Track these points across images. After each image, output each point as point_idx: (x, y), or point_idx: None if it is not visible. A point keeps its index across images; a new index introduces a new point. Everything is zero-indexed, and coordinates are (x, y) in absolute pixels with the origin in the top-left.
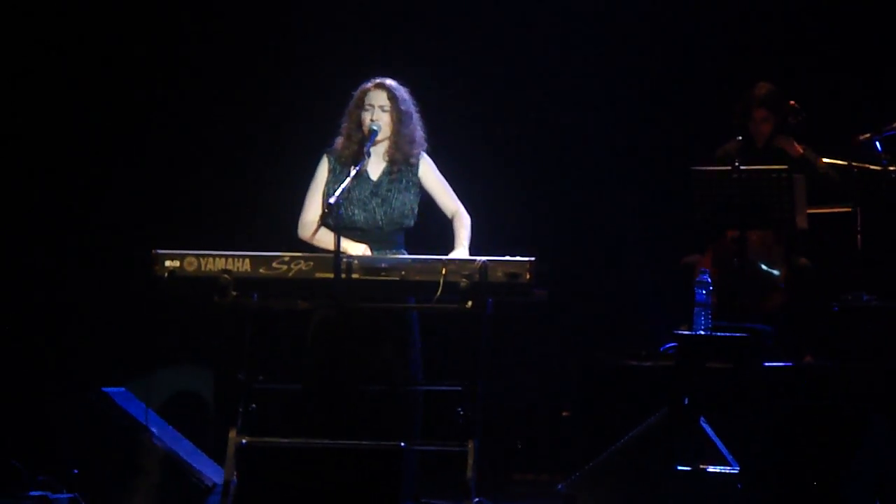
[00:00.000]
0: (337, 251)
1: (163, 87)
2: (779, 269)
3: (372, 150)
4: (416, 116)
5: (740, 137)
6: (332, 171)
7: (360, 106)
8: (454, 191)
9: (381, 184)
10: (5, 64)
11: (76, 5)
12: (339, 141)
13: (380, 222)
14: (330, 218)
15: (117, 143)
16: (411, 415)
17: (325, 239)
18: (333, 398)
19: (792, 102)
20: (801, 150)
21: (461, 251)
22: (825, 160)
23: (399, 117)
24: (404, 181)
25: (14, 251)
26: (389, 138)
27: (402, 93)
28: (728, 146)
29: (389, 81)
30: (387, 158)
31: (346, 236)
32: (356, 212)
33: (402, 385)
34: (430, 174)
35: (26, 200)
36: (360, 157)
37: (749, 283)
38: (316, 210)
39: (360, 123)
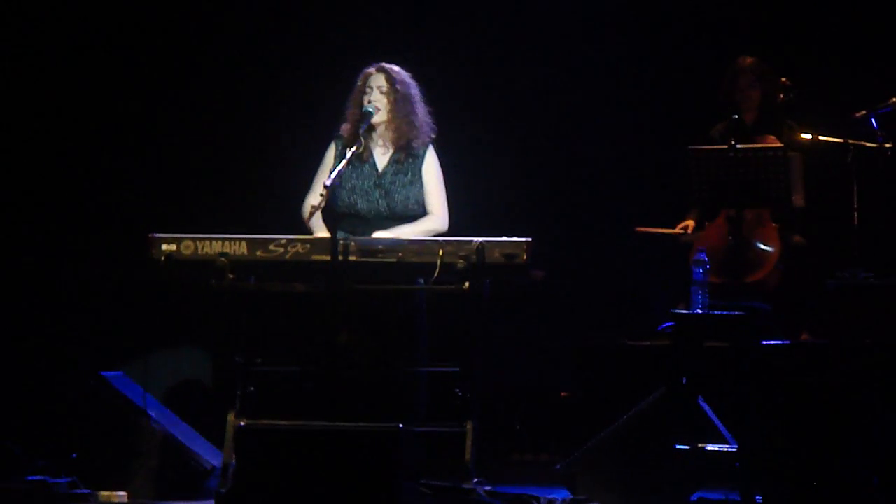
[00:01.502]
0: (333, 234)
1: (159, 71)
2: (774, 247)
3: (377, 137)
4: (419, 103)
5: (736, 116)
6: (337, 156)
7: (362, 90)
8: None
9: (385, 174)
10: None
11: None
12: (345, 126)
13: (383, 212)
14: (327, 200)
15: (112, 128)
16: (414, 397)
17: (319, 225)
18: (332, 380)
19: (784, 80)
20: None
21: (387, 232)
22: (821, 137)
23: (396, 98)
24: (409, 174)
25: (10, 236)
26: (388, 122)
27: (403, 76)
28: (721, 125)
29: (390, 65)
30: (391, 146)
31: (349, 223)
32: (359, 200)
33: (400, 367)
34: (430, 170)
35: (22, 185)
36: (355, 139)
37: (744, 261)
38: (317, 193)
39: (361, 107)
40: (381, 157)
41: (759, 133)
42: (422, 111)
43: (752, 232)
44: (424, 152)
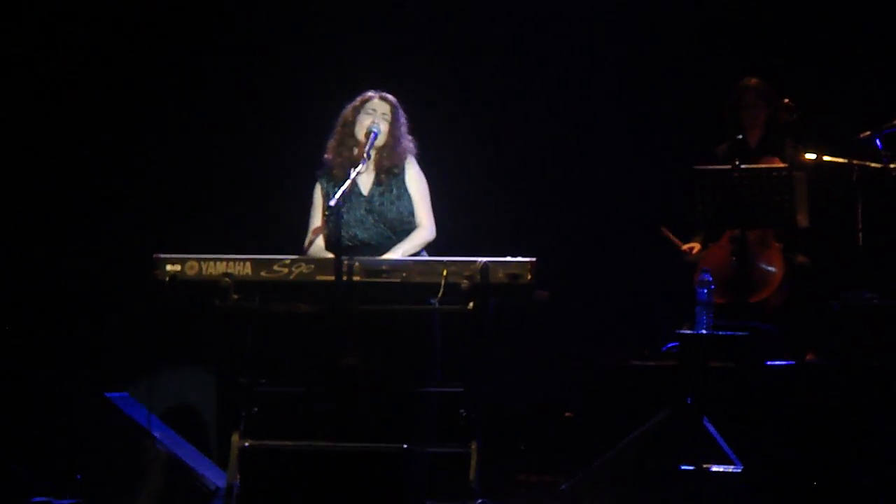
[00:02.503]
0: (338, 254)
1: (165, 92)
2: (777, 268)
3: (370, 155)
4: (407, 133)
5: (741, 136)
6: (325, 194)
7: (360, 110)
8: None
9: (372, 198)
10: (13, 69)
11: (80, 9)
12: (329, 150)
13: (386, 234)
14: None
15: (117, 148)
16: (423, 417)
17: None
18: (337, 401)
19: (787, 101)
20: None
21: (389, 254)
22: (826, 157)
23: (396, 130)
24: (395, 190)
25: (14, 256)
26: (382, 149)
27: (401, 109)
28: (726, 144)
29: (390, 96)
30: (374, 169)
31: (358, 253)
32: (357, 231)
33: (405, 387)
34: (413, 181)
35: (27, 204)
36: (359, 158)
37: (748, 281)
38: (316, 228)
39: (355, 127)
40: (365, 181)
41: (764, 153)
42: (406, 138)
43: (755, 252)
44: (404, 166)
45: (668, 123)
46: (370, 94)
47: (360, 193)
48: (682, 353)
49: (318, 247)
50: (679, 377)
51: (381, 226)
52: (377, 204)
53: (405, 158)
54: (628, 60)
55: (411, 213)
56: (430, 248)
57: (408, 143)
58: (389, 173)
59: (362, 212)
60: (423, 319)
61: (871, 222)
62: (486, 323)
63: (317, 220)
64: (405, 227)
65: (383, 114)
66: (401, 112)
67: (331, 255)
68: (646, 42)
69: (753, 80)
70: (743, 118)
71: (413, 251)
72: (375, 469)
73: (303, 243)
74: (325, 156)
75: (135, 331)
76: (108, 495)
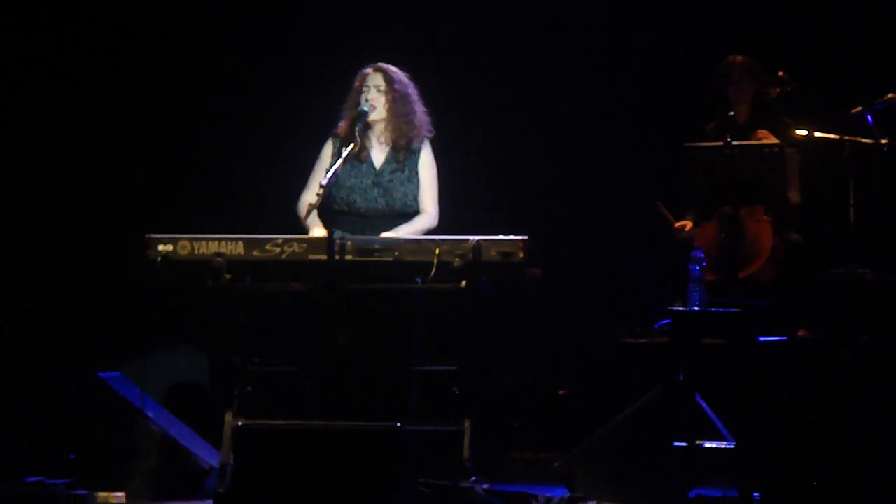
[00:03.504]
0: (330, 233)
1: (155, 72)
2: (766, 241)
3: (375, 135)
4: (417, 102)
5: (732, 113)
6: (334, 154)
7: (359, 89)
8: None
9: (383, 172)
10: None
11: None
12: (341, 124)
13: (381, 210)
14: (324, 199)
15: (109, 129)
16: (407, 395)
17: (316, 223)
18: (329, 380)
19: (780, 73)
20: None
21: (389, 233)
22: (817, 133)
23: (394, 97)
24: (407, 171)
25: (6, 237)
26: (386, 120)
27: (400, 76)
28: (715, 122)
29: (388, 65)
30: (389, 144)
31: (347, 220)
32: (357, 199)
33: (397, 366)
34: (425, 165)
35: (19, 186)
36: (351, 139)
37: (737, 256)
38: (314, 191)
39: (357, 105)
40: (379, 155)
41: (753, 129)
42: (420, 110)
43: (744, 226)
44: (420, 149)
45: (660, 102)
46: (367, 69)
47: (373, 165)
48: (675, 331)
49: (315, 217)
50: (671, 354)
51: (383, 201)
52: (386, 179)
53: (421, 135)
54: (618, 41)
55: (415, 198)
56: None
57: (420, 113)
58: (407, 151)
59: (369, 182)
60: (415, 298)
61: (863, 198)
62: (478, 301)
63: (315, 176)
64: (406, 209)
65: (376, 86)
66: (398, 79)
67: (322, 231)
68: (638, 20)
69: (739, 57)
70: (730, 94)
71: (412, 235)
72: (368, 447)
73: (298, 199)
74: (339, 125)
75: (127, 310)
76: (102, 475)
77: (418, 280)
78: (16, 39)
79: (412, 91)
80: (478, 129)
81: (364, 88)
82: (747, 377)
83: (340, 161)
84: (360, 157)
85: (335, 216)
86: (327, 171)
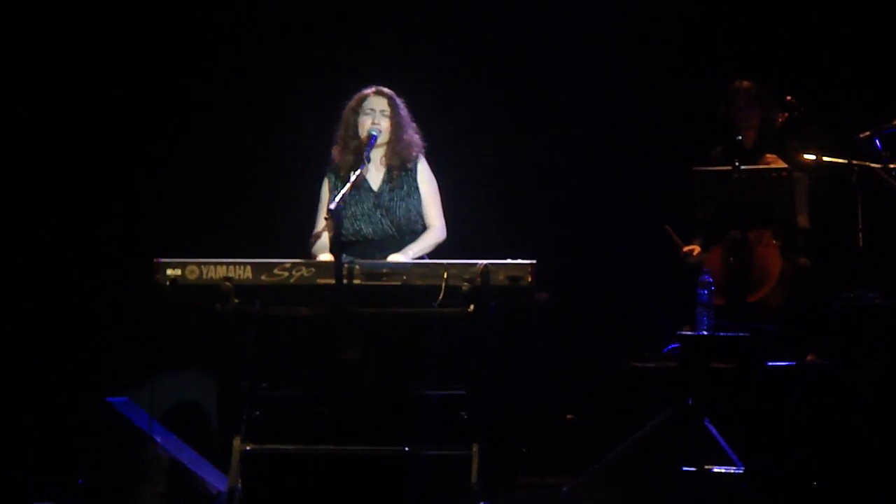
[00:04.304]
0: (338, 257)
1: (166, 96)
2: (774, 266)
3: (372, 159)
4: (412, 123)
5: (739, 138)
6: (332, 188)
7: (358, 111)
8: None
9: (382, 193)
10: (15, 71)
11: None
12: (335, 151)
13: (390, 231)
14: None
15: (118, 153)
16: (423, 421)
17: (325, 253)
18: (338, 404)
19: (788, 97)
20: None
21: (400, 255)
22: (825, 158)
23: (399, 122)
24: (405, 187)
25: (16, 261)
26: (388, 144)
27: (399, 99)
28: (721, 147)
29: (387, 89)
30: (385, 165)
31: (359, 249)
32: (362, 226)
33: (406, 390)
34: (424, 181)
35: (28, 210)
36: (359, 162)
37: (745, 280)
38: (321, 226)
39: (356, 129)
40: (376, 177)
41: (760, 154)
42: (411, 128)
43: (752, 251)
44: (416, 164)
45: (668, 124)
46: (366, 91)
47: (370, 188)
48: (684, 355)
49: (323, 244)
50: (680, 378)
51: (388, 222)
52: (386, 199)
53: (416, 153)
54: (628, 61)
55: (419, 213)
56: (434, 250)
57: (413, 134)
58: (401, 169)
59: (370, 206)
60: (424, 322)
61: (871, 222)
62: (486, 325)
63: (321, 214)
64: (411, 226)
65: (382, 110)
66: (399, 103)
67: (331, 258)
68: (646, 42)
69: (745, 83)
70: (736, 120)
71: (424, 252)
72: (377, 472)
73: (308, 239)
74: (332, 152)
75: (136, 335)
76: (110, 500)
77: (433, 304)
78: (30, 65)
79: (405, 112)
80: (485, 153)
81: (368, 111)
82: (756, 401)
83: (349, 185)
84: (356, 183)
85: (345, 247)
86: (333, 198)
